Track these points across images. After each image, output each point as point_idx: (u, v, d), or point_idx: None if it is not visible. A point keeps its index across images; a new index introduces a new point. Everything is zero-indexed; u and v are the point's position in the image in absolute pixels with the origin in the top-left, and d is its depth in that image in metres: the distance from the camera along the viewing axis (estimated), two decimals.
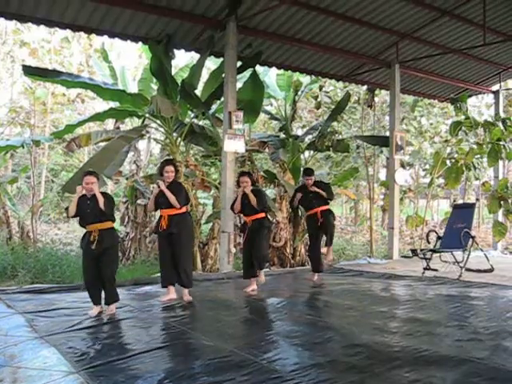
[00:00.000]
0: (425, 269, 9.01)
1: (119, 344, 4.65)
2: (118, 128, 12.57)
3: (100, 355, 4.28)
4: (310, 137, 13.21)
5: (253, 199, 7.21)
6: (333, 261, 9.08)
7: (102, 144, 10.96)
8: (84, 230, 5.94)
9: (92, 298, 5.91)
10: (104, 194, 5.88)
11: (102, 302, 5.96)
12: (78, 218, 5.91)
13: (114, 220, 5.99)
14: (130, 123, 13.39)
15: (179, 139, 10.50)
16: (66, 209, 6.02)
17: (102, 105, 16.77)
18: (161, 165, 6.84)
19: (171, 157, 10.47)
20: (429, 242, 10.35)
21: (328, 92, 15.76)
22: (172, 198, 6.45)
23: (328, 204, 8.49)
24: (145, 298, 6.95)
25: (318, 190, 8.24)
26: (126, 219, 12.75)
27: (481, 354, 4.30)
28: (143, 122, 11.02)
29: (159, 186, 6.49)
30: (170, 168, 6.59)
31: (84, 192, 5.82)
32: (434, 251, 9.25)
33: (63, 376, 3.78)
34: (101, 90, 9.93)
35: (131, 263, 11.82)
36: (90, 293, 5.92)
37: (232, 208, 7.60)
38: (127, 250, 12.41)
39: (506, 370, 3.93)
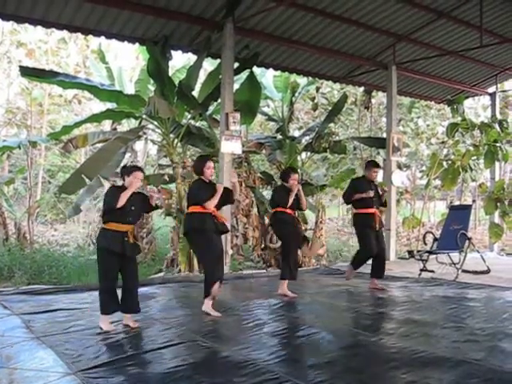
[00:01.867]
0: (421, 270, 9.02)
1: (116, 345, 4.64)
2: (115, 129, 12.55)
3: (97, 356, 4.27)
4: (306, 138, 13.22)
5: (304, 198, 7.40)
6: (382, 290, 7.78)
7: (99, 145, 10.95)
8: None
9: (109, 305, 5.28)
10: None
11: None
12: (111, 213, 5.19)
13: None
14: (126, 124, 13.37)
15: (176, 140, 10.49)
16: (111, 199, 5.17)
17: (98, 106, 16.72)
18: (201, 161, 6.32)
19: (168, 158, 10.47)
20: (425, 244, 10.35)
21: (325, 93, 15.80)
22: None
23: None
24: (141, 299, 6.90)
25: (384, 189, 7.80)
26: None
27: (477, 355, 4.31)
28: (140, 123, 11.01)
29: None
30: (212, 164, 6.26)
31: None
32: (430, 252, 9.26)
33: (60, 377, 3.77)
34: (98, 91, 9.92)
35: None
36: (110, 299, 5.29)
37: (287, 204, 7.18)
38: None
39: (503, 371, 3.94)
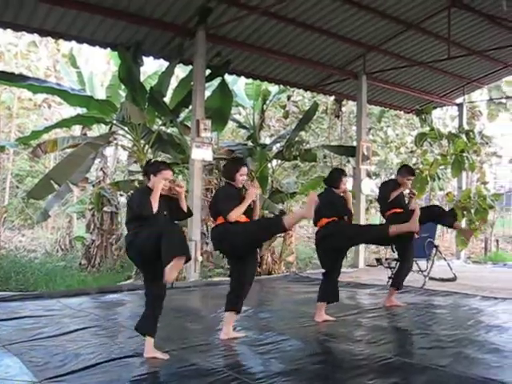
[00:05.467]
0: (389, 278, 9.08)
1: (83, 353, 4.59)
2: (85, 134, 12.44)
3: (63, 364, 4.22)
4: (277, 146, 13.28)
5: (350, 200, 6.20)
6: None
7: (69, 150, 10.84)
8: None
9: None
10: None
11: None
12: (142, 221, 4.34)
13: None
14: (97, 130, 13.27)
15: (147, 146, 10.46)
16: (143, 204, 4.28)
17: (69, 110, 16.53)
18: (235, 165, 5.19)
19: (139, 164, 10.42)
20: (394, 251, 10.43)
21: (296, 102, 15.88)
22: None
23: None
24: (110, 306, 6.88)
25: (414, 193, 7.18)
26: (92, 226, 12.62)
27: (443, 361, 4.38)
28: (110, 128, 10.95)
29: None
30: (246, 170, 5.19)
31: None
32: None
33: None
34: (68, 96, 9.83)
35: (97, 271, 11.70)
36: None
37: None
38: (93, 257, 12.28)
39: (468, 376, 4.01)
